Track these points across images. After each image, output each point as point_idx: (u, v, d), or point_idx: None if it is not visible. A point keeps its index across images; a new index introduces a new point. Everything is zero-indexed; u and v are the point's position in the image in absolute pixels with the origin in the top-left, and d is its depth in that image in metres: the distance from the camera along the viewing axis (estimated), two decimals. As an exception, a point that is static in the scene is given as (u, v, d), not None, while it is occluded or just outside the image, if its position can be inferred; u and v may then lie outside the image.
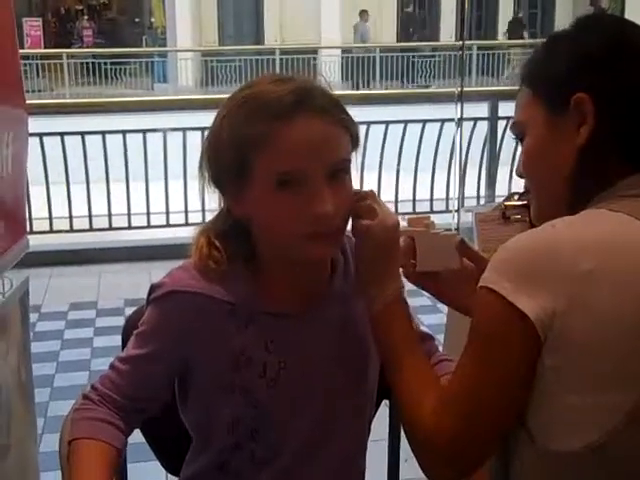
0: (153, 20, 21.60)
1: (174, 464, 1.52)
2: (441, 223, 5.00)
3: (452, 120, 5.64)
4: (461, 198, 3.48)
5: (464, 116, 5.88)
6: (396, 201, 5.85)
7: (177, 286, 1.27)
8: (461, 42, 3.55)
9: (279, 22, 20.07)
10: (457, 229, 3.14)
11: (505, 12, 21.37)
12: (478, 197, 5.97)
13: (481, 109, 5.94)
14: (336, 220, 1.20)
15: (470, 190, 5.85)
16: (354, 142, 1.25)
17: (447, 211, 5.89)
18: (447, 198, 5.94)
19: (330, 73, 15.20)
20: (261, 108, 1.18)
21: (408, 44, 19.58)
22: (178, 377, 1.33)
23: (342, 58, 18.21)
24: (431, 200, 5.99)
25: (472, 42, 19.61)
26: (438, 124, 5.91)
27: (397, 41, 20.73)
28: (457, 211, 3.39)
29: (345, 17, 19.70)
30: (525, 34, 19.50)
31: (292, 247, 1.22)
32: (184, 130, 5.59)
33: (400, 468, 1.64)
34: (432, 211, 5.95)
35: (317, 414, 1.32)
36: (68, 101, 6.68)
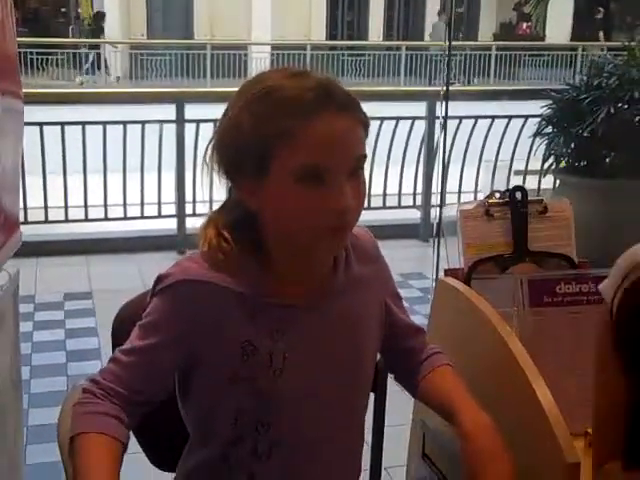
0: (80, 11, 21.20)
1: (163, 459, 1.51)
2: (411, 217, 5.02)
3: (422, 118, 5.78)
4: (443, 194, 3.54)
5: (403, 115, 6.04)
6: (369, 195, 5.86)
7: (185, 275, 1.26)
8: (448, 43, 3.58)
9: (209, 17, 19.93)
10: (439, 223, 3.21)
11: (432, 14, 21.69)
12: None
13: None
14: (353, 214, 1.23)
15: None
16: (366, 137, 1.26)
17: (414, 206, 6.05)
18: (414, 193, 6.06)
19: (261, 70, 15.17)
20: (285, 102, 1.18)
21: (350, 42, 19.75)
22: (181, 368, 1.31)
23: (272, 55, 18.22)
24: (384, 195, 6.04)
25: (400, 43, 19.91)
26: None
27: (327, 39, 20.88)
28: (440, 206, 3.45)
29: (275, 14, 19.72)
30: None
31: (308, 240, 1.24)
32: (124, 124, 5.53)
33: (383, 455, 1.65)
34: (400, 206, 6.06)
35: (321, 406, 1.32)
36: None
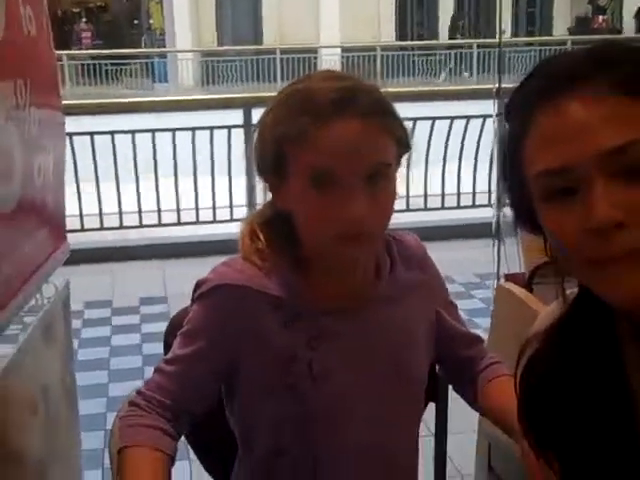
0: (151, 22, 21.64)
1: (217, 466, 1.49)
2: (472, 217, 4.87)
3: (479, 117, 5.60)
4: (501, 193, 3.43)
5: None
6: (425, 195, 5.75)
7: (222, 280, 1.25)
8: (498, 39, 3.52)
9: (277, 21, 20.07)
10: (497, 223, 3.10)
11: (505, 10, 21.40)
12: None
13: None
14: (368, 223, 1.17)
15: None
16: (402, 146, 1.22)
17: (474, 206, 5.88)
18: (489, 192, 5.78)
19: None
20: (304, 105, 1.17)
21: (420, 42, 19.63)
22: (225, 375, 1.30)
23: (342, 57, 18.23)
24: (458, 195, 5.93)
25: (472, 41, 19.68)
26: (461, 121, 5.89)
27: (396, 40, 20.79)
28: (498, 206, 3.34)
29: (344, 16, 19.72)
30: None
31: (323, 246, 1.21)
32: (193, 130, 5.56)
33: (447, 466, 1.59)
34: (459, 206, 5.90)
35: (364, 415, 1.28)
36: (96, 101, 6.36)
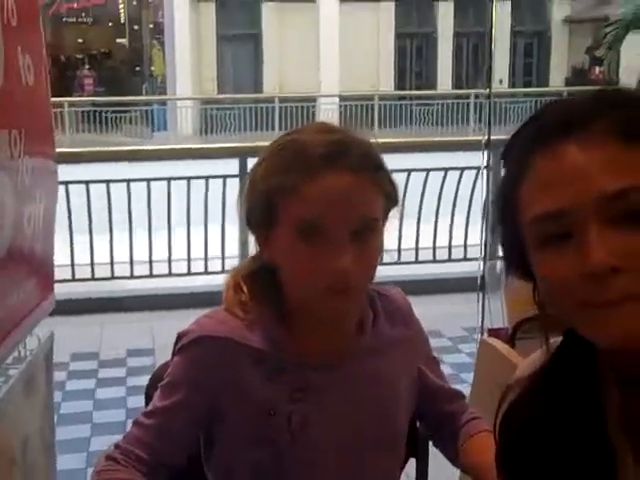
0: (153, 68, 21.83)
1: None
2: (463, 271, 4.78)
3: (473, 168, 5.57)
4: (489, 246, 3.40)
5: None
6: (417, 249, 5.77)
7: (203, 332, 1.26)
8: (488, 90, 3.52)
9: (278, 70, 20.25)
10: (482, 277, 3.08)
11: (502, 61, 21.59)
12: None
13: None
14: (354, 277, 1.18)
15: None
16: (390, 201, 1.24)
17: (465, 259, 5.83)
18: (465, 246, 5.87)
19: (329, 121, 15.25)
20: (295, 157, 1.19)
21: (418, 92, 19.83)
22: (204, 427, 1.29)
23: (340, 106, 18.37)
24: (449, 248, 5.91)
25: (469, 91, 19.82)
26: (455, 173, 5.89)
27: (395, 89, 20.94)
28: (484, 259, 3.32)
29: (344, 65, 19.90)
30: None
31: (309, 299, 1.22)
32: (188, 179, 5.57)
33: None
34: (450, 259, 5.88)
35: (345, 468, 1.29)
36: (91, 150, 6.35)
